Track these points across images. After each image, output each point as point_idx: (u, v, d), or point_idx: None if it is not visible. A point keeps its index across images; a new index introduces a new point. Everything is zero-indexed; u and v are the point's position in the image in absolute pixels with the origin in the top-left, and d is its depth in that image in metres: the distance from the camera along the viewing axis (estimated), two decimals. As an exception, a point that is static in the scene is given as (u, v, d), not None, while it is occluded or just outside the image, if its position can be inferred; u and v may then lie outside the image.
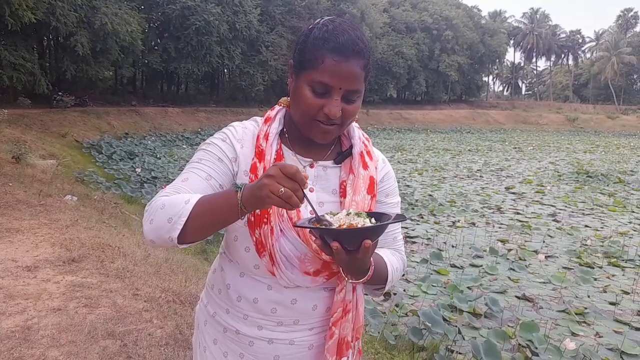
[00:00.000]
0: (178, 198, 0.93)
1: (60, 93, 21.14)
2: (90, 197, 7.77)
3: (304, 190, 0.84)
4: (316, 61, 0.96)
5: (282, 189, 0.81)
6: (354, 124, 1.14)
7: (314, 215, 0.93)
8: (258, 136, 1.06)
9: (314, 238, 0.94)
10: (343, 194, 1.08)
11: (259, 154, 1.04)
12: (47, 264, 3.94)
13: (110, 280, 3.70)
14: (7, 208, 5.70)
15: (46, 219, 5.43)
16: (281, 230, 1.02)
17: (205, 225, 0.92)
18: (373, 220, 0.93)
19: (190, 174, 1.03)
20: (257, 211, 1.00)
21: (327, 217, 0.93)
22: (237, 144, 1.07)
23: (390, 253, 1.15)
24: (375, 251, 1.07)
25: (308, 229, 0.97)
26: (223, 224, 0.94)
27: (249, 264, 1.06)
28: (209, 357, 1.15)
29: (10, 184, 7.14)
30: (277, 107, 1.13)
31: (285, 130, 1.10)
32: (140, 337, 2.86)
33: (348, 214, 0.92)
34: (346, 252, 0.88)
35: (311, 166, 1.09)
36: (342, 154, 1.12)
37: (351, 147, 1.12)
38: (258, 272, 1.06)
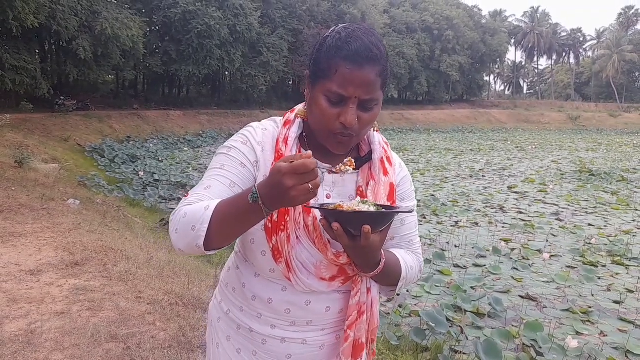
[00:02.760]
0: (198, 206, 0.93)
1: (62, 97, 21.18)
2: (93, 201, 7.79)
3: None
4: (330, 70, 0.96)
5: (310, 186, 0.81)
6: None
7: (325, 202, 0.98)
8: (278, 140, 1.06)
9: (322, 219, 0.95)
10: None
11: (279, 158, 1.03)
12: (50, 268, 3.94)
13: (113, 284, 3.70)
14: (10, 212, 5.71)
15: (49, 222, 5.44)
16: (297, 237, 1.02)
17: (228, 229, 0.92)
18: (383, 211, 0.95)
19: (213, 182, 1.02)
20: (275, 217, 1.00)
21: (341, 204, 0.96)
22: (258, 147, 1.06)
23: (405, 253, 1.15)
24: (390, 250, 1.10)
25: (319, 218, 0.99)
26: (246, 227, 0.93)
27: (264, 267, 1.07)
28: (222, 354, 1.16)
29: (13, 189, 7.16)
30: (296, 109, 1.12)
31: (304, 134, 1.10)
32: (143, 340, 2.85)
33: (359, 202, 0.94)
34: (349, 236, 0.90)
35: (329, 172, 1.09)
36: (360, 160, 1.11)
37: (370, 152, 1.12)
38: (273, 276, 1.07)
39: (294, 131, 1.07)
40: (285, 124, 1.08)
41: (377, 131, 1.14)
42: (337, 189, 1.08)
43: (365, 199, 0.98)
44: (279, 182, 0.81)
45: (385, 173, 1.09)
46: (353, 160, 0.96)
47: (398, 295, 5.08)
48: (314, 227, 1.02)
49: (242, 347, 1.13)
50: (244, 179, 1.03)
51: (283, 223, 1.00)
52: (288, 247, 1.01)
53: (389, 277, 1.07)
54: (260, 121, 1.15)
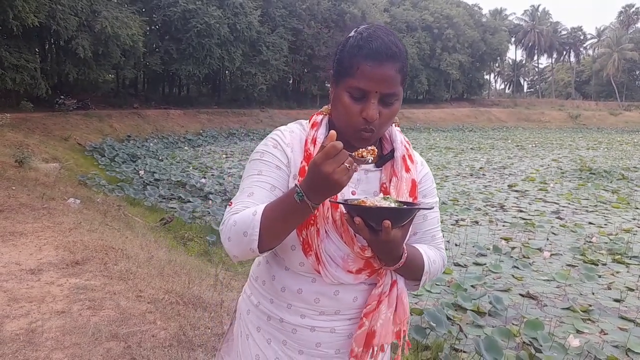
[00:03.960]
0: (246, 212, 1.01)
1: (62, 96, 21.18)
2: (93, 200, 7.79)
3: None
4: (352, 68, 1.02)
5: (347, 165, 0.89)
6: (396, 129, 1.19)
7: (349, 198, 1.06)
8: (306, 140, 1.13)
9: (346, 214, 1.00)
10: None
11: (307, 158, 1.09)
12: (50, 267, 3.94)
13: (113, 282, 3.71)
14: (11, 212, 5.72)
15: (49, 222, 5.44)
16: (326, 231, 1.08)
17: (278, 230, 0.99)
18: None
19: (254, 188, 1.08)
20: None
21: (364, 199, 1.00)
22: (288, 149, 1.12)
23: (428, 247, 1.20)
24: (413, 245, 1.16)
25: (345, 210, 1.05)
26: (295, 225, 1.00)
27: (294, 261, 1.11)
28: (251, 344, 1.20)
29: (14, 188, 7.16)
30: (322, 112, 1.19)
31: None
32: (144, 339, 2.86)
33: (382, 199, 0.99)
34: (371, 231, 0.96)
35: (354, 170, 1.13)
36: (383, 157, 1.17)
37: (392, 150, 1.17)
38: (302, 269, 1.12)
39: (322, 132, 1.13)
40: (312, 125, 1.15)
41: (397, 126, 1.20)
42: (361, 186, 1.14)
43: (388, 196, 1.03)
44: (319, 172, 0.89)
45: (407, 170, 1.15)
46: (375, 149, 0.97)
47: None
48: (341, 221, 1.07)
49: (272, 337, 1.17)
50: (282, 181, 1.10)
51: (313, 218, 1.05)
52: (317, 240, 1.06)
53: (412, 271, 1.13)
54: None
